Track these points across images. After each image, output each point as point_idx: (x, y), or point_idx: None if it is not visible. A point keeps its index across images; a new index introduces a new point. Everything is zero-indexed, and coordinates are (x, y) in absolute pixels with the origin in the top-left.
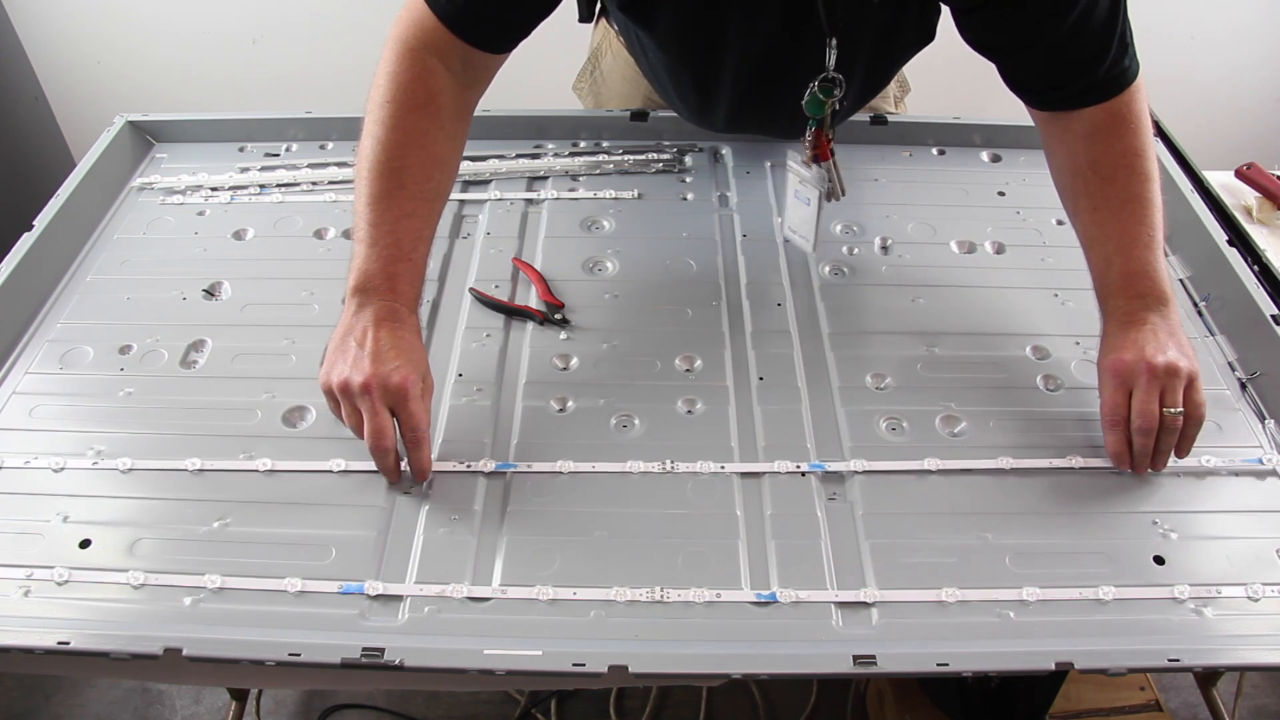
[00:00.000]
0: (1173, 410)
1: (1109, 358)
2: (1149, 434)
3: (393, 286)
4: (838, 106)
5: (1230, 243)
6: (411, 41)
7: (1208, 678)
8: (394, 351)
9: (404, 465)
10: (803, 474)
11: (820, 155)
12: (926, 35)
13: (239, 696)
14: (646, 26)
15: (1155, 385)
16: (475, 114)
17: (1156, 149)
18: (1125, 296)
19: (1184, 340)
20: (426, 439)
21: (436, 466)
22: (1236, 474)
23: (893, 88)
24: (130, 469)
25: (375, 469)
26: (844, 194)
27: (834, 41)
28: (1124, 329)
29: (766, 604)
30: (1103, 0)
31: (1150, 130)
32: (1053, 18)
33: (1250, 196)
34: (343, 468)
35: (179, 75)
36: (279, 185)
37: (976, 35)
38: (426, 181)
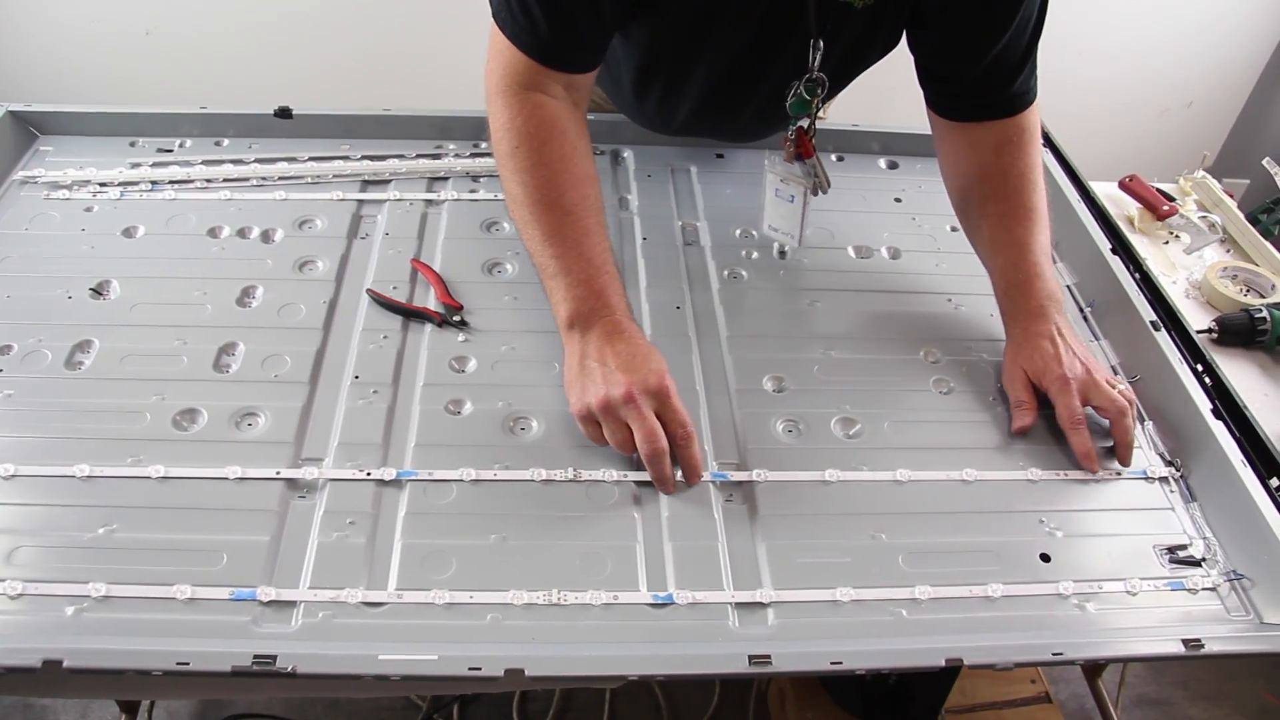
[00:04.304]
0: (1121, 388)
1: (1055, 373)
2: (1128, 414)
3: (605, 301)
4: (820, 106)
5: (1114, 251)
6: (514, 87)
7: (1093, 669)
8: (638, 359)
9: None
10: (702, 479)
11: (805, 153)
12: (893, 41)
13: (129, 709)
14: (637, 25)
15: (1101, 378)
16: (376, 113)
17: (1045, 159)
18: (1036, 297)
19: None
20: (694, 435)
21: (332, 472)
22: (1119, 475)
23: None
24: (13, 475)
25: (270, 475)
26: (829, 186)
27: (820, 43)
28: (1039, 336)
29: (664, 605)
30: (1032, 18)
31: (1040, 150)
32: (996, 32)
33: (1132, 207)
34: (238, 475)
35: (67, 66)
36: (171, 182)
37: (922, 41)
38: (585, 200)
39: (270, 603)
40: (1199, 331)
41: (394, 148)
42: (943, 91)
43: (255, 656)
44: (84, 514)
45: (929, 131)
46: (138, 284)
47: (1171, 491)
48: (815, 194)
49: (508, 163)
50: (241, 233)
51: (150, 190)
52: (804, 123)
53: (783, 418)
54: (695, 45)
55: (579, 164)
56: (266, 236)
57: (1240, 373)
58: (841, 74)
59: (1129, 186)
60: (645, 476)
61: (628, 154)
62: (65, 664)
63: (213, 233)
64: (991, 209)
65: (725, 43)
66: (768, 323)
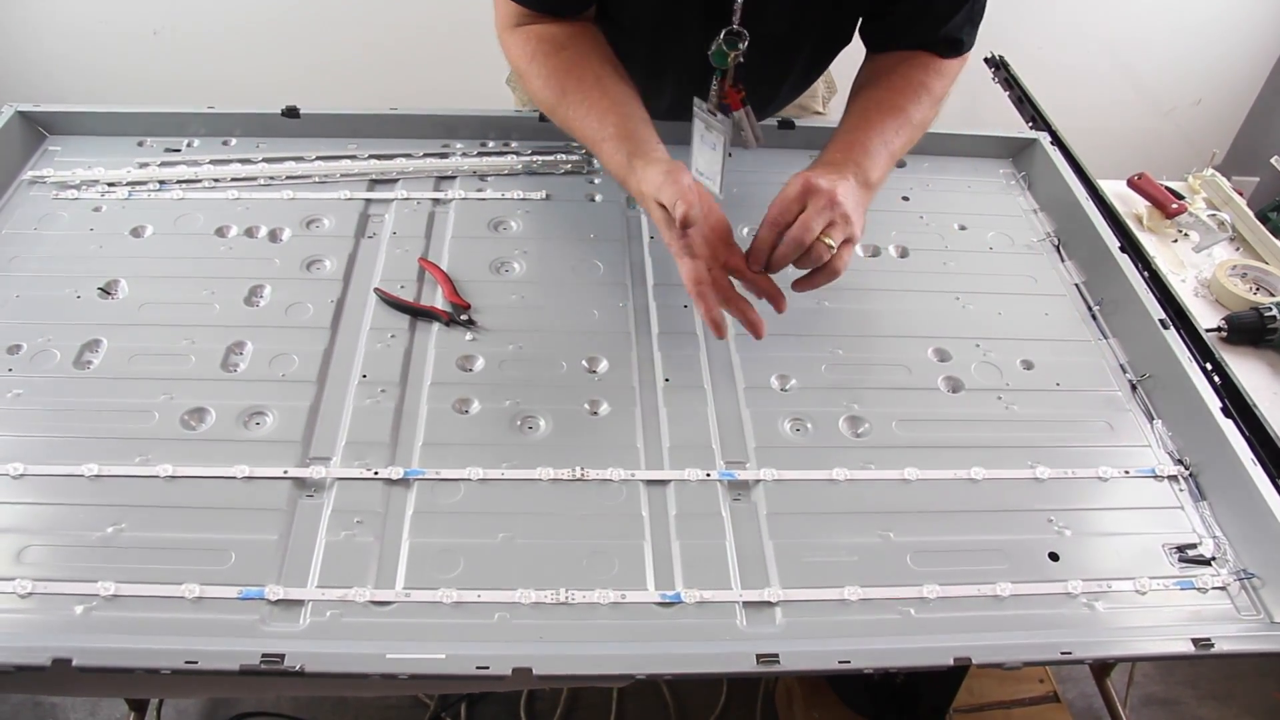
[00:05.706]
0: (829, 243)
1: (808, 174)
2: (800, 246)
3: (620, 160)
4: (741, 59)
5: (1122, 249)
6: (515, 29)
7: (1102, 669)
8: (644, 197)
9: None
10: (710, 478)
11: (731, 105)
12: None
13: (138, 707)
14: (618, 11)
15: (828, 217)
16: (383, 112)
17: (1053, 158)
18: (853, 159)
19: (864, 217)
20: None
21: (340, 471)
22: (1128, 474)
23: (821, 88)
24: (22, 474)
25: (278, 474)
26: (760, 142)
27: None
28: (833, 167)
29: (671, 604)
30: None
31: (942, 100)
32: None
33: (1141, 205)
34: (246, 474)
35: (75, 66)
36: (179, 182)
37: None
38: (590, 87)
39: (278, 602)
40: (1208, 330)
41: (401, 147)
42: (875, 29)
43: (263, 655)
44: (92, 513)
45: (935, 130)
46: (146, 283)
47: (1181, 490)
48: (747, 147)
49: (529, 79)
50: (249, 232)
51: (158, 190)
52: (725, 75)
53: (790, 416)
54: (677, 30)
55: (591, 54)
56: (274, 236)
57: (1250, 371)
58: (829, 39)
59: (1138, 184)
60: (652, 475)
61: None
62: (74, 663)
63: (220, 232)
64: (870, 94)
65: (688, 39)
66: (775, 321)
